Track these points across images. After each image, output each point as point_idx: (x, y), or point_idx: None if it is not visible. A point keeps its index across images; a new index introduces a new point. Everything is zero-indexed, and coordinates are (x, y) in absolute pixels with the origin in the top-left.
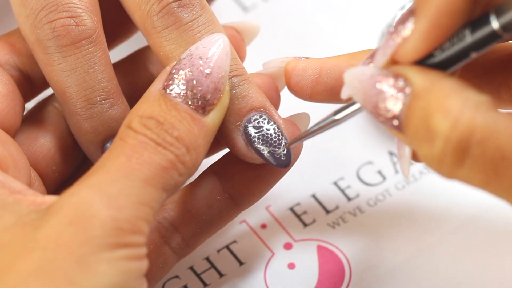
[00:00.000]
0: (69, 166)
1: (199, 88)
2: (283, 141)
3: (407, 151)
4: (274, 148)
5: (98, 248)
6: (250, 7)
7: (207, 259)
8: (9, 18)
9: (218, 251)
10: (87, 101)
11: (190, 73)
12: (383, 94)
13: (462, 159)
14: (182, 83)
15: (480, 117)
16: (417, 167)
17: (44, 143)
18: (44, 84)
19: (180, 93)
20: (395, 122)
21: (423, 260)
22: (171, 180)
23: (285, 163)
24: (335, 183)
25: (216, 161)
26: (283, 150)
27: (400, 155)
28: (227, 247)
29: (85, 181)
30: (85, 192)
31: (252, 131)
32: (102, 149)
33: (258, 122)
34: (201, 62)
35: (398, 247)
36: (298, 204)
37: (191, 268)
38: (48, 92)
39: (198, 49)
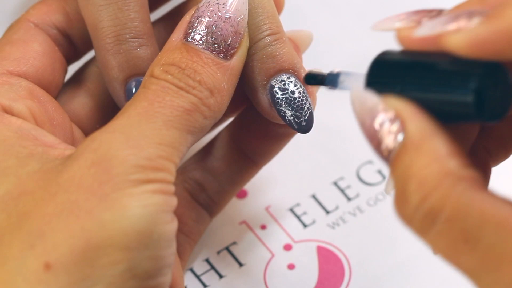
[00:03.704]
0: None
1: (219, 33)
2: (306, 106)
3: None
4: (296, 112)
5: (120, 185)
6: None
7: (207, 260)
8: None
9: (218, 252)
10: (116, 36)
11: (210, 19)
12: (379, 131)
13: (428, 229)
14: (202, 29)
15: (455, 196)
16: None
17: (87, 102)
18: (86, 45)
19: (201, 39)
20: (385, 162)
21: (423, 260)
22: (196, 122)
23: (306, 128)
24: (335, 183)
25: (230, 122)
26: (305, 115)
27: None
28: (227, 248)
29: (107, 126)
30: (106, 136)
31: (277, 92)
32: (125, 88)
33: (284, 84)
34: (219, 7)
35: (398, 247)
36: (298, 204)
37: (191, 270)
38: (92, 55)
39: None
